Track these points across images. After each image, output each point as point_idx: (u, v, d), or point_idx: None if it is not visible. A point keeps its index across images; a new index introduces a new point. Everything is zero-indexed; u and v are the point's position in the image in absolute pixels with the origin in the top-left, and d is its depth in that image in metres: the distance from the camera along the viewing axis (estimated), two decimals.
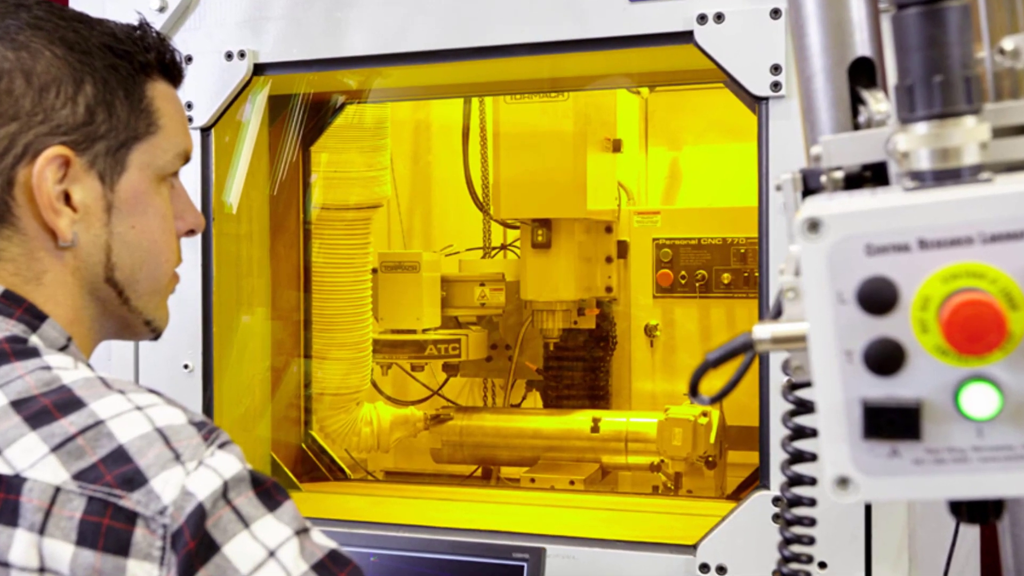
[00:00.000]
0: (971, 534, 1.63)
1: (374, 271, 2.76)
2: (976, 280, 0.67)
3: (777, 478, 1.59)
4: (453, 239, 3.40)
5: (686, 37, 1.64)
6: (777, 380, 1.59)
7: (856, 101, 0.84)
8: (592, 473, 2.69)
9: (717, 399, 0.80)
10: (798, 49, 0.88)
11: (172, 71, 1.13)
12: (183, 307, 1.91)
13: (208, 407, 1.95)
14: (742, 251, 2.94)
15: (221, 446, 0.90)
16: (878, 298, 0.69)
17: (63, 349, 1.02)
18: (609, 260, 3.04)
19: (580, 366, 3.04)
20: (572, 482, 2.62)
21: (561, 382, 3.05)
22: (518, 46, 1.76)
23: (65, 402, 0.90)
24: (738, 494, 2.15)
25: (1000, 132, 0.73)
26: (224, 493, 0.86)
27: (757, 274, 1.66)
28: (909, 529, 1.57)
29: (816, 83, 0.86)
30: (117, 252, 1.06)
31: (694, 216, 3.07)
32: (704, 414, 2.59)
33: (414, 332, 2.86)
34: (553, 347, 3.02)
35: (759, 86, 1.61)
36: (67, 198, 1.03)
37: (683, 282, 3.00)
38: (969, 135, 0.69)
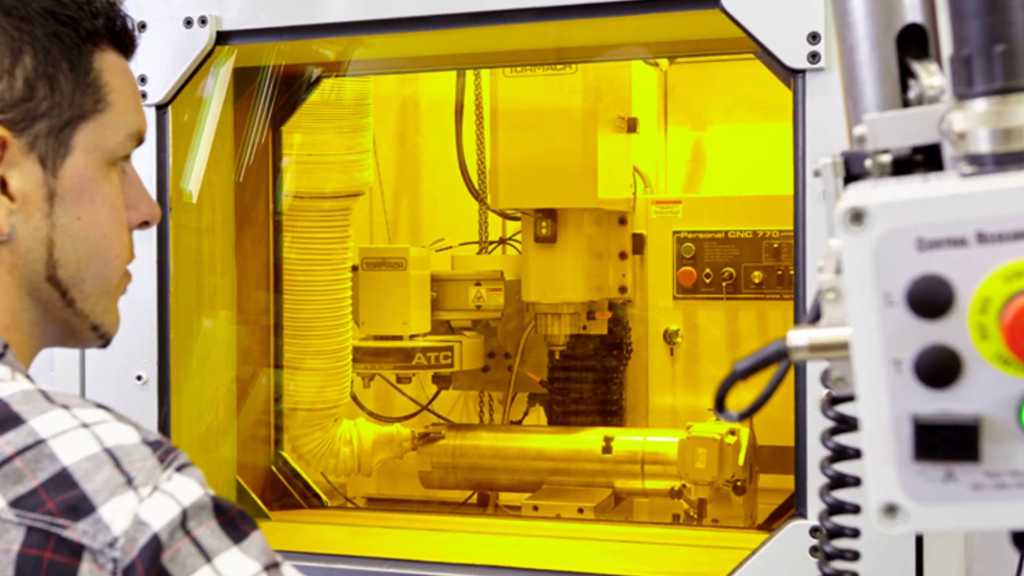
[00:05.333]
0: None
1: (354, 269, 2.76)
2: None
3: (815, 505, 1.59)
4: (445, 232, 3.41)
5: (711, 1, 1.64)
6: (815, 393, 1.59)
7: (906, 74, 0.84)
8: (604, 500, 2.69)
9: (747, 415, 0.80)
10: (839, 15, 0.88)
11: (123, 40, 1.13)
12: (136, 310, 1.91)
13: (164, 424, 1.95)
14: (775, 246, 2.94)
15: (179, 469, 0.90)
16: (931, 300, 0.69)
17: None
18: (623, 256, 3.04)
19: (590, 377, 3.04)
20: (581, 510, 2.62)
21: (568, 396, 3.05)
22: (519, 11, 1.76)
23: (1, 418, 0.90)
24: (771, 524, 2.15)
25: None
26: (183, 522, 0.86)
27: (792, 272, 1.66)
28: (966, 564, 1.57)
29: (860, 54, 0.86)
30: (60, 247, 1.06)
31: (720, 206, 3.07)
32: (732, 432, 2.59)
33: (400, 338, 2.86)
34: (559, 356, 3.03)
35: (795, 57, 1.61)
36: (3, 185, 1.03)
37: (708, 281, 3.00)
38: None
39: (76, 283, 1.09)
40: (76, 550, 0.84)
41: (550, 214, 2.83)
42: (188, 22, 1.89)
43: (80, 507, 0.85)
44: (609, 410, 3.04)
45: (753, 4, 1.62)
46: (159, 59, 1.91)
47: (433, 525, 2.32)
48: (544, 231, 2.84)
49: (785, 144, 1.66)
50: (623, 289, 3.04)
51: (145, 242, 1.91)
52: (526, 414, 3.21)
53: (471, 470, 2.87)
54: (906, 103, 0.84)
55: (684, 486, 2.65)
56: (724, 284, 2.98)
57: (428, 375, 3.06)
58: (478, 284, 2.97)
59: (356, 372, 2.80)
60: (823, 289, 0.75)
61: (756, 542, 1.67)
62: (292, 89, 2.46)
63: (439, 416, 3.21)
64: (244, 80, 2.29)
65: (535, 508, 2.65)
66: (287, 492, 2.52)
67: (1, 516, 0.85)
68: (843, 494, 0.89)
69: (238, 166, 2.33)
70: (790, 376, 0.95)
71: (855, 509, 0.88)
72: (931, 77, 0.82)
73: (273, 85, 2.33)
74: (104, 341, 1.16)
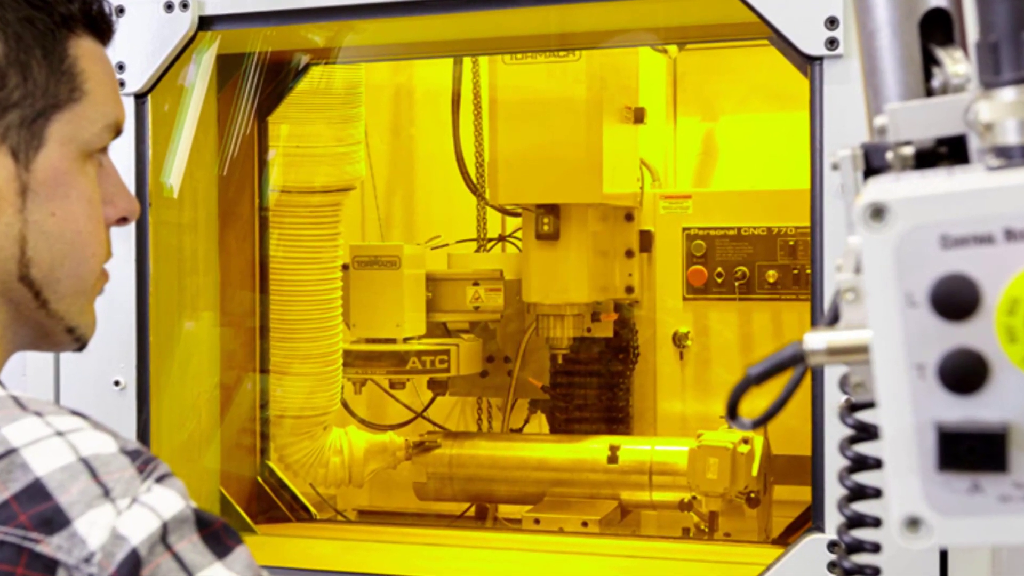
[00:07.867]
0: None
1: (345, 268, 2.76)
2: None
3: (833, 518, 1.59)
4: (441, 229, 3.41)
5: None
6: (833, 400, 1.59)
7: (929, 62, 0.84)
8: (609, 512, 2.69)
9: (761, 423, 0.80)
10: None
11: (100, 25, 1.13)
12: (113, 311, 1.91)
13: (144, 432, 1.95)
14: (791, 243, 2.94)
15: (159, 480, 0.90)
16: (956, 300, 0.69)
17: None
18: (630, 254, 3.04)
19: (594, 383, 3.04)
20: (585, 523, 2.62)
21: (571, 402, 3.05)
22: None
23: None
24: (786, 538, 2.15)
25: None
26: (163, 536, 0.86)
27: (809, 271, 1.66)
28: None
29: (881, 40, 0.86)
30: (34, 244, 1.06)
31: (732, 201, 3.07)
32: (745, 441, 2.59)
33: (393, 342, 2.86)
34: (562, 360, 3.03)
35: (811, 43, 1.61)
36: None
37: (719, 281, 3.00)
38: None
39: (50, 283, 1.09)
40: (50, 565, 0.84)
41: (552, 210, 2.83)
42: (169, 6, 1.89)
43: (54, 520, 0.85)
44: (615, 417, 3.04)
45: None
46: (138, 45, 1.91)
47: (428, 539, 2.32)
48: (546, 228, 2.84)
49: (801, 135, 1.66)
50: (630, 289, 3.04)
51: (123, 239, 1.91)
52: (527, 422, 3.21)
53: (469, 481, 2.87)
54: (929, 92, 0.84)
55: (694, 498, 2.65)
56: (737, 284, 2.98)
57: (423, 380, 3.05)
58: (476, 284, 2.97)
59: (347, 377, 2.79)
60: (842, 289, 0.75)
61: (771, 557, 1.67)
62: (279, 77, 2.46)
63: (435, 424, 3.21)
64: (228, 68, 2.29)
65: (536, 521, 2.65)
66: (274, 504, 2.52)
67: None
68: (863, 506, 0.89)
69: (222, 159, 2.33)
70: (807, 382, 0.95)
71: (875, 522, 0.88)
72: (956, 64, 0.82)
73: (259, 73, 2.33)
74: (80, 344, 1.16)
